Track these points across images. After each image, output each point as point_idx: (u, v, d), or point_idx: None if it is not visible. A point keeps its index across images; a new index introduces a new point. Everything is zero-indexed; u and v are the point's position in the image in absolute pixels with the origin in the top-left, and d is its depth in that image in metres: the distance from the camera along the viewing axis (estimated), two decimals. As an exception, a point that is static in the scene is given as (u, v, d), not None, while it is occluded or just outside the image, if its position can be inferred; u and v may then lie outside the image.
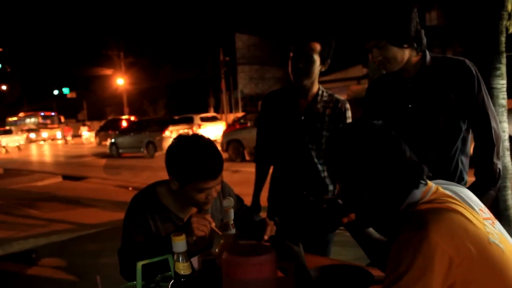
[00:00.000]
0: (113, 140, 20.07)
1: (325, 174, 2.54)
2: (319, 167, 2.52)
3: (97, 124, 37.30)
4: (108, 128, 25.62)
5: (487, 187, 1.97)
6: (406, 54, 1.98)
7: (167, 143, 16.61)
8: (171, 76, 40.28)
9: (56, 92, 47.52)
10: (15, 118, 43.85)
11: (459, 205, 1.17)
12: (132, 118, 27.88)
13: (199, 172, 1.72)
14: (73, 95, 47.32)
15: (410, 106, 2.04)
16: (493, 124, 1.99)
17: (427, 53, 2.05)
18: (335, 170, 1.29)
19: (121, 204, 6.73)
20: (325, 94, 2.57)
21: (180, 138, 1.84)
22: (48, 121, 41.17)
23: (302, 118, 2.52)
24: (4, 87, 44.50)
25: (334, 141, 1.30)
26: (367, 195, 1.25)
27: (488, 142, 1.99)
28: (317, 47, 2.43)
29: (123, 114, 33.81)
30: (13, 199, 9.51)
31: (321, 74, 2.56)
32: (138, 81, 41.65)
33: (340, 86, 24.00)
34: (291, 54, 2.47)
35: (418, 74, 2.04)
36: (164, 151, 1.85)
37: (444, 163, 2.04)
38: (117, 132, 21.39)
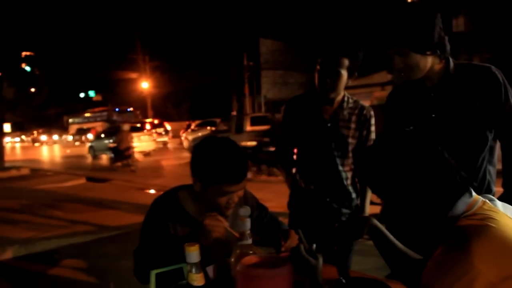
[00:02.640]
0: (90, 144, 21.50)
1: (349, 182, 2.50)
2: (343, 174, 2.48)
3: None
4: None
5: None
6: (429, 62, 1.90)
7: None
8: (195, 80, 40.58)
9: (82, 95, 48.39)
10: (80, 118, 41.36)
11: (508, 220, 1.12)
12: (156, 121, 28.12)
13: (224, 174, 1.70)
14: (99, 98, 48.09)
15: (433, 115, 1.98)
16: None
17: (451, 60, 1.98)
18: (382, 185, 1.24)
19: (143, 207, 6.77)
20: (350, 100, 2.53)
21: (207, 139, 1.84)
22: (126, 118, 35.38)
23: (329, 125, 2.48)
24: (32, 89, 45.40)
25: (379, 154, 1.24)
26: (412, 209, 1.21)
27: None
28: (346, 62, 2.36)
29: (147, 117, 34.13)
30: (38, 199, 9.68)
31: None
32: (163, 85, 42.08)
33: (364, 92, 23.79)
34: (318, 67, 2.40)
35: (442, 82, 1.97)
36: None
37: (471, 174, 1.96)
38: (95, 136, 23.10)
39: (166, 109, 44.18)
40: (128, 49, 39.75)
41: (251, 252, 1.48)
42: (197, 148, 1.82)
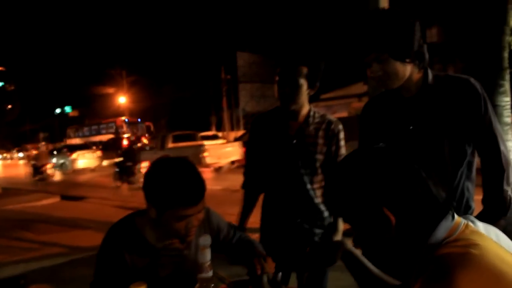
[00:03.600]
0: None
1: (319, 200, 2.38)
2: (312, 193, 2.36)
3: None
4: (109, 147, 25.66)
5: (497, 216, 1.80)
6: (407, 70, 1.81)
7: (75, 164, 19.72)
8: (173, 94, 40.39)
9: (58, 110, 47.68)
10: (84, 130, 38.78)
11: (492, 243, 1.02)
12: (133, 137, 27.80)
13: (177, 197, 1.57)
14: (75, 113, 47.47)
15: (411, 127, 1.88)
16: (502, 147, 1.83)
17: (429, 70, 1.89)
18: (352, 210, 1.12)
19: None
20: (316, 115, 2.42)
21: (158, 161, 1.70)
22: (136, 129, 34.71)
23: (294, 141, 2.36)
24: (4, 106, 44.47)
25: (347, 177, 1.12)
26: (386, 236, 1.09)
27: (497, 167, 1.82)
28: (304, 71, 2.28)
29: (124, 133, 33.65)
30: (8, 220, 9.35)
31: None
32: (140, 99, 41.81)
33: (342, 103, 23.92)
34: (277, 78, 2.32)
35: (420, 93, 1.87)
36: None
37: (449, 190, 1.87)
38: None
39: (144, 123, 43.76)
40: (105, 64, 39.38)
41: (212, 286, 1.35)
42: (148, 171, 1.68)
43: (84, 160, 23.87)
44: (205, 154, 16.17)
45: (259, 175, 2.52)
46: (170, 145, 17.68)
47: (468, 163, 1.89)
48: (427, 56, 1.86)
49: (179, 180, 1.58)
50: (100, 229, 7.68)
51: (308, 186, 2.35)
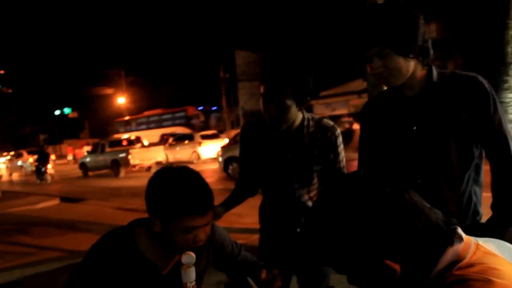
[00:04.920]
0: (81, 161, 22.91)
1: None
2: (310, 203, 2.23)
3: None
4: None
5: (507, 224, 1.69)
6: (411, 67, 1.70)
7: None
8: (172, 93, 40.32)
9: (57, 112, 47.58)
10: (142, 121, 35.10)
11: (509, 266, 0.90)
12: (133, 137, 27.65)
13: (184, 205, 1.46)
14: (75, 114, 47.38)
15: (414, 128, 1.77)
16: None
17: (433, 67, 1.78)
18: (346, 264, 0.97)
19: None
20: (311, 123, 2.23)
21: (162, 170, 1.59)
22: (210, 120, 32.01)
23: (288, 157, 2.21)
24: (2, 109, 44.31)
25: (336, 230, 0.95)
26: (379, 275, 0.96)
27: (508, 170, 1.70)
28: (289, 90, 2.05)
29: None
30: (6, 224, 9.27)
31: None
32: (140, 99, 41.78)
33: (341, 100, 23.81)
34: (261, 99, 2.11)
35: (424, 91, 1.76)
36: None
37: (457, 195, 1.76)
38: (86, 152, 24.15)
39: (144, 123, 43.66)
40: (103, 65, 39.27)
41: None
42: (151, 180, 1.56)
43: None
44: (129, 156, 19.67)
45: (253, 181, 2.40)
46: (108, 149, 21.15)
47: (475, 166, 1.78)
48: (431, 51, 1.75)
49: (186, 187, 1.49)
50: (99, 232, 7.53)
51: (304, 198, 2.23)
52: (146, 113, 37.50)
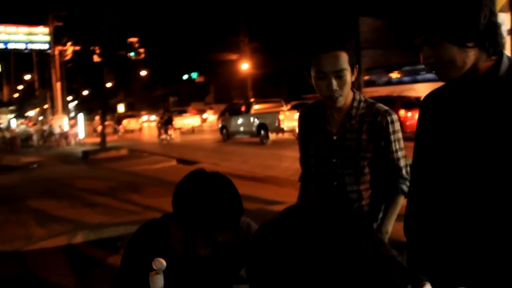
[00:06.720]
0: (221, 124, 21.52)
1: (363, 202, 2.10)
2: (354, 195, 2.09)
3: (223, 107, 38.45)
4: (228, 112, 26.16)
5: None
6: (470, 57, 1.36)
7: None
8: (294, 61, 40.21)
9: (185, 76, 50.12)
10: None
11: None
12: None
13: (205, 222, 1.43)
14: (201, 79, 49.51)
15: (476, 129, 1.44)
16: None
17: (505, 56, 1.41)
18: None
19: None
20: (362, 105, 2.08)
21: (191, 177, 1.54)
22: None
23: (335, 138, 2.10)
24: (142, 73, 47.90)
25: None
26: None
27: None
28: (345, 57, 1.94)
29: (247, 98, 33.68)
30: (124, 182, 10.15)
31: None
32: (263, 66, 42.34)
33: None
34: (315, 74, 1.98)
35: (483, 88, 1.41)
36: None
37: None
38: (227, 114, 22.06)
39: (266, 89, 44.42)
40: (228, 31, 40.36)
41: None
42: (178, 188, 1.53)
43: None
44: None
45: (309, 171, 2.30)
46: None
47: None
48: (502, 38, 1.40)
49: (210, 203, 1.43)
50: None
51: (350, 187, 2.08)
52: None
